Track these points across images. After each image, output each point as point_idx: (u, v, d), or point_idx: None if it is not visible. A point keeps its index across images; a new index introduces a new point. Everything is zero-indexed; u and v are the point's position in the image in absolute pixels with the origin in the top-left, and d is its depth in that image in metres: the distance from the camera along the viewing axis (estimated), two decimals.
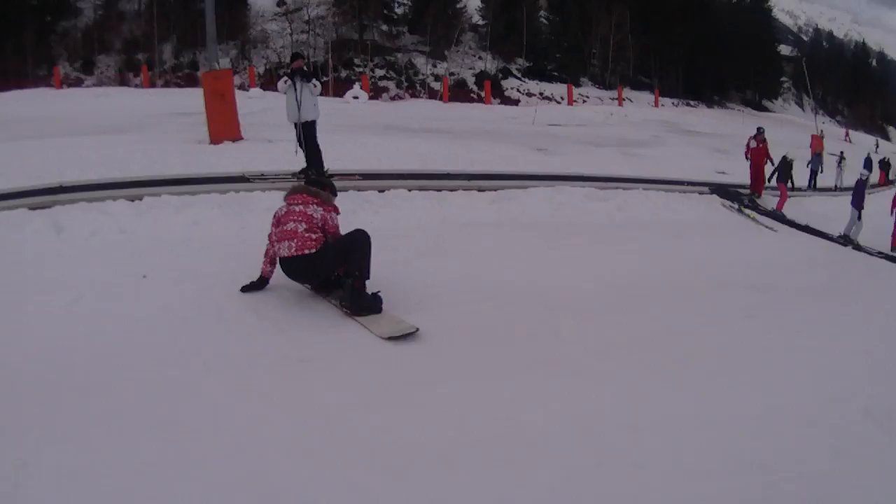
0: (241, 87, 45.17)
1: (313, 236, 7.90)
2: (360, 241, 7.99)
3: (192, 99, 29.28)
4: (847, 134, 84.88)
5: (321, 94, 15.05)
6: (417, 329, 7.48)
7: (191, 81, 65.27)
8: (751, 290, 11.32)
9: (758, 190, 23.83)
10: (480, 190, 14.56)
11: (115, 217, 10.38)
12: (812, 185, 30.20)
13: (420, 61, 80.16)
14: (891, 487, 5.78)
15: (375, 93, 66.53)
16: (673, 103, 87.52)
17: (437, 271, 9.49)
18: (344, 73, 75.05)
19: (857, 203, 21.12)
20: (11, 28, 67.55)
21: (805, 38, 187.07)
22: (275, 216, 8.31)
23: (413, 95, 72.78)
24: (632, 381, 6.96)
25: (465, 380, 6.57)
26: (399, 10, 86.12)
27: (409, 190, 13.59)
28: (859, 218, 21.00)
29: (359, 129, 26.47)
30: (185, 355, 6.37)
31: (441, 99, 64.55)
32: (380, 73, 77.01)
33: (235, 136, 19.73)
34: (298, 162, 14.87)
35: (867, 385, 7.91)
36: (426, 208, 12.58)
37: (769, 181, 23.51)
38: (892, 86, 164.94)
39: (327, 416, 5.62)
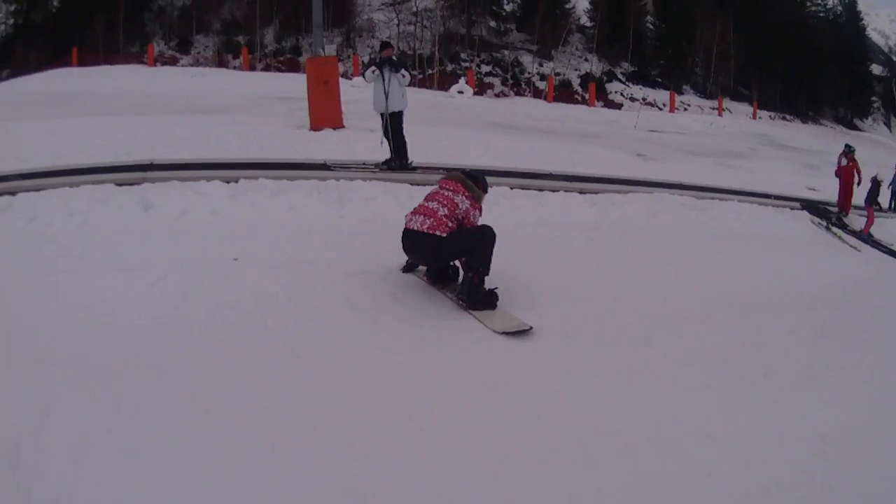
0: (345, 76, 45.33)
1: (449, 224, 7.86)
2: (486, 238, 7.97)
3: (293, 84, 29.19)
4: None
5: (409, 85, 14.93)
6: (531, 327, 7.47)
7: (292, 67, 66.17)
8: (832, 307, 11.04)
9: (846, 209, 23.64)
10: (581, 192, 14.39)
11: (208, 198, 10.38)
12: (893, 207, 29.74)
13: (526, 59, 79.78)
14: None
15: (480, 88, 66.06)
16: (770, 116, 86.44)
17: (538, 272, 9.38)
18: (450, 67, 75.24)
19: None
20: (104, 2, 68.52)
21: (895, 58, 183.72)
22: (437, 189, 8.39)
23: (517, 93, 72.27)
24: (710, 392, 6.86)
25: (551, 381, 6.45)
26: (508, 7, 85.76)
27: (511, 188, 13.43)
28: None
29: (461, 124, 26.45)
30: (273, 340, 6.30)
31: (545, 98, 64.20)
32: (485, 69, 76.90)
33: (337, 125, 19.75)
34: (385, 153, 14.73)
35: None
36: (526, 207, 12.43)
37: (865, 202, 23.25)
38: None
39: (409, 409, 5.51)
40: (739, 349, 8.21)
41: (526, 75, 78.36)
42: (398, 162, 14.32)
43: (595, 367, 6.94)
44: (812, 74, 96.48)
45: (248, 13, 76.55)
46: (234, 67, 64.64)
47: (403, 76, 14.44)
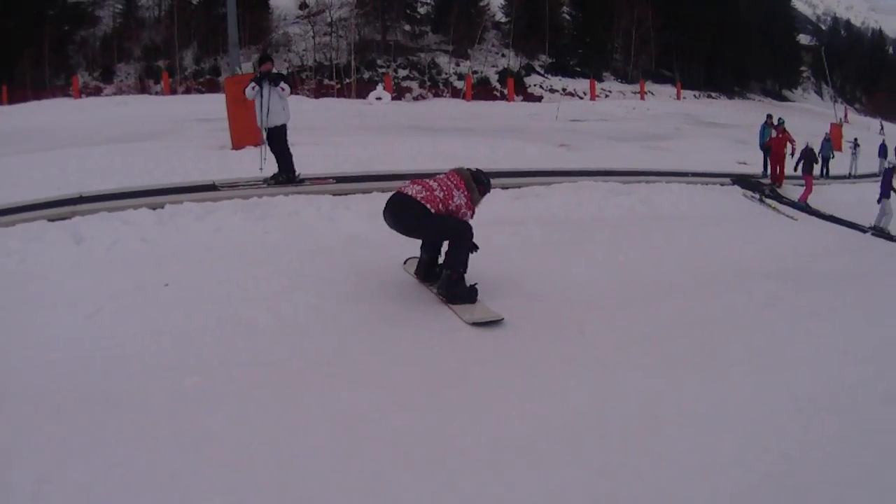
0: None
1: (440, 206, 8.19)
2: (465, 237, 8.35)
3: (213, 105, 29.48)
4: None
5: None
6: (503, 318, 7.88)
7: (212, 87, 66.38)
8: (771, 278, 11.36)
9: (779, 180, 23.86)
10: (504, 188, 14.24)
11: (137, 226, 10.38)
12: (825, 173, 30.11)
13: (443, 60, 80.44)
14: None
15: (399, 93, 66.76)
16: (694, 96, 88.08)
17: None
18: (367, 75, 75.34)
19: (886, 193, 21.03)
20: (30, 38, 68.21)
21: (823, 28, 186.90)
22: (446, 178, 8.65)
23: (436, 95, 72.92)
24: (653, 374, 6.99)
25: (485, 377, 6.56)
26: (422, 10, 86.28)
27: None
28: (891, 206, 20.83)
29: (382, 131, 26.58)
30: (208, 363, 6.35)
31: (464, 97, 64.84)
32: (403, 73, 77.31)
33: (258, 142, 19.81)
34: (272, 167, 14.61)
35: (889, 370, 7.94)
36: None
37: (795, 170, 23.47)
38: None
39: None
40: (679, 329, 8.50)
41: (443, 76, 79.08)
42: (285, 176, 14.24)
43: (529, 358, 7.03)
44: (737, 50, 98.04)
45: (167, 37, 76.37)
46: (156, 93, 64.71)
47: (283, 89, 14.30)
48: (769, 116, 25.75)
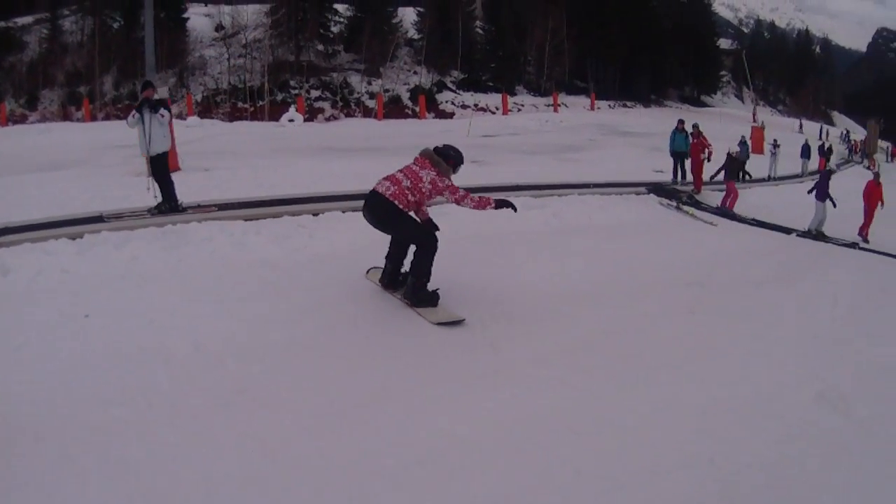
0: (179, 116, 45.00)
1: (410, 197, 8.92)
2: (429, 247, 9.07)
3: (132, 131, 29.36)
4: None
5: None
6: (464, 319, 8.79)
7: (130, 113, 65.30)
8: (692, 285, 11.67)
9: (697, 186, 24.15)
10: None
11: (58, 256, 10.32)
12: (743, 177, 30.53)
13: (355, 79, 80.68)
14: (852, 468, 6.07)
15: (311, 114, 66.46)
16: (609, 105, 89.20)
17: (359, 293, 9.66)
18: (280, 96, 75.29)
19: (822, 196, 21.51)
20: None
21: (746, 31, 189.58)
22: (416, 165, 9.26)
23: (348, 115, 73.01)
24: (571, 386, 7.10)
25: (404, 393, 6.68)
26: (335, 29, 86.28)
27: (343, 211, 13.60)
28: (825, 209, 21.29)
29: (294, 153, 26.46)
30: (129, 394, 6.37)
31: (375, 116, 64.81)
32: (315, 94, 77.35)
33: (173, 167, 19.64)
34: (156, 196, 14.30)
35: (819, 369, 8.29)
36: (359, 229, 12.43)
37: (712, 179, 23.69)
38: (836, 71, 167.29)
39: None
40: (597, 340, 8.76)
41: (355, 96, 79.16)
42: (168, 205, 13.98)
43: (446, 375, 7.22)
44: (655, 57, 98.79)
45: (88, 62, 75.79)
46: (78, 119, 63.63)
47: (163, 115, 14.05)
48: (680, 122, 26.04)
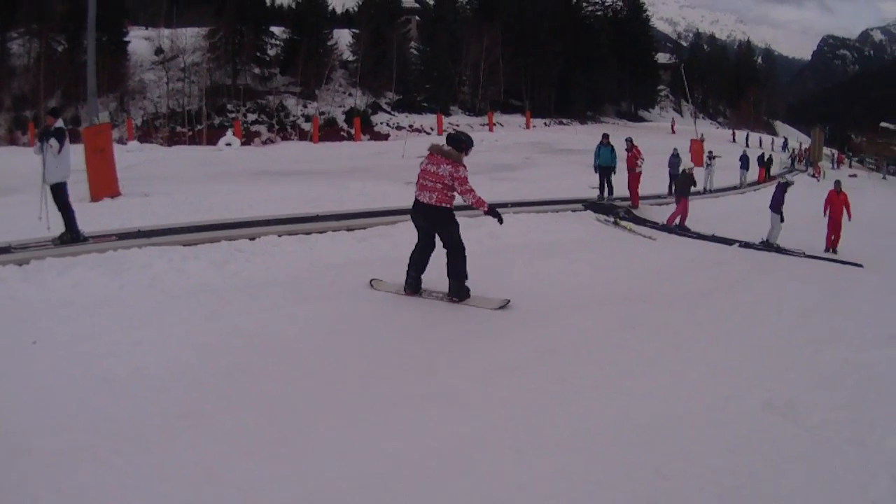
0: (120, 141, 44.84)
1: (448, 194, 10.62)
2: (462, 250, 10.90)
3: (73, 156, 29.25)
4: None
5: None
6: (509, 300, 10.75)
7: (73, 137, 64.39)
8: (631, 300, 11.87)
9: (633, 202, 24.48)
10: (349, 229, 14.70)
11: (4, 283, 10.37)
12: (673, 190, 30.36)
13: (291, 102, 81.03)
14: (805, 476, 6.07)
15: (248, 138, 66.40)
16: (545, 123, 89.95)
17: (297, 316, 9.70)
18: (217, 120, 75.18)
19: (777, 207, 21.73)
20: None
21: (685, 44, 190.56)
22: (424, 160, 10.93)
23: (284, 138, 73.17)
24: (511, 405, 7.11)
25: (339, 418, 6.69)
26: (272, 52, 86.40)
27: (279, 235, 13.64)
28: (781, 221, 21.56)
29: (230, 177, 26.33)
30: (77, 421, 6.34)
31: (311, 139, 65.08)
32: (252, 117, 77.33)
33: (114, 192, 19.59)
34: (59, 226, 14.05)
35: (764, 379, 8.36)
36: (296, 252, 12.68)
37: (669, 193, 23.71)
38: (779, 80, 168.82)
39: None
40: (535, 359, 8.65)
41: (291, 118, 79.39)
42: (69, 235, 13.77)
43: (391, 397, 7.25)
44: (591, 75, 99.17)
45: (34, 85, 75.23)
46: (24, 144, 62.90)
47: (51, 146, 13.65)
48: (605, 136, 25.99)
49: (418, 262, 11.07)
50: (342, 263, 12.42)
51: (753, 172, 45.44)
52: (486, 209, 10.89)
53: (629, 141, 26.10)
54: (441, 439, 6.26)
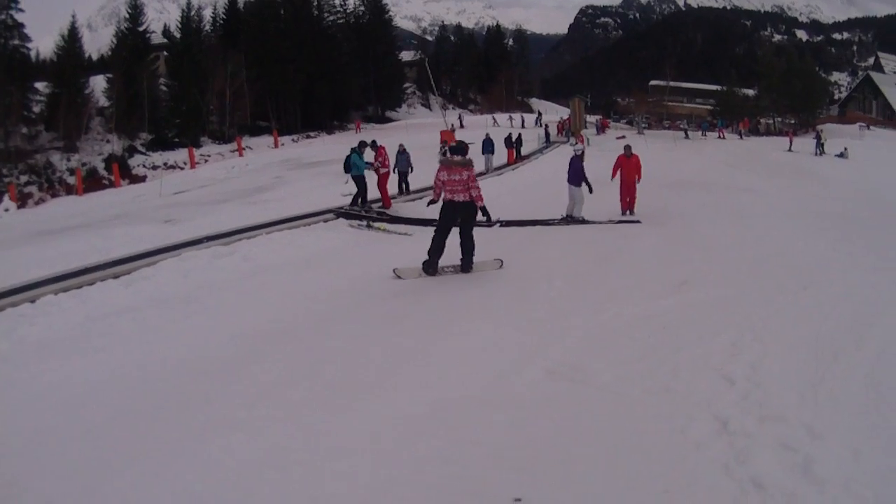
0: None
1: (472, 193, 13.81)
2: (473, 240, 14.18)
3: None
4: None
5: None
6: (502, 261, 14.55)
7: None
8: (391, 299, 12.26)
9: (385, 202, 25.31)
10: (115, 276, 14.70)
11: None
12: (405, 188, 31.19)
13: (56, 158, 78.31)
14: (610, 432, 6.43)
15: (22, 201, 64.09)
16: (293, 140, 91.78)
17: (79, 370, 9.46)
18: None
19: (576, 181, 22.02)
20: None
21: (430, 38, 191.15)
22: (442, 172, 14.05)
23: (54, 195, 70.38)
24: (284, 422, 7.11)
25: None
26: (36, 109, 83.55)
27: (56, 294, 13.53)
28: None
29: (11, 242, 25.74)
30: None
31: (76, 192, 63.70)
32: (24, 178, 74.38)
33: None
34: None
35: (543, 347, 8.84)
36: (72, 309, 12.63)
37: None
38: (533, 58, 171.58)
39: None
40: (303, 372, 8.68)
41: (58, 174, 76.70)
42: None
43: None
44: (333, 85, 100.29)
45: None
46: None
47: None
48: (362, 144, 26.16)
49: (440, 247, 13.82)
50: (112, 312, 12.37)
51: (501, 156, 45.50)
52: (482, 203, 13.91)
53: (373, 144, 26.84)
54: (229, 465, 6.26)
